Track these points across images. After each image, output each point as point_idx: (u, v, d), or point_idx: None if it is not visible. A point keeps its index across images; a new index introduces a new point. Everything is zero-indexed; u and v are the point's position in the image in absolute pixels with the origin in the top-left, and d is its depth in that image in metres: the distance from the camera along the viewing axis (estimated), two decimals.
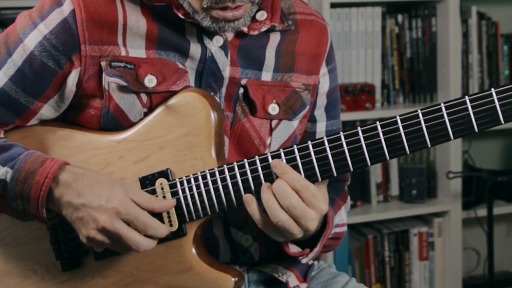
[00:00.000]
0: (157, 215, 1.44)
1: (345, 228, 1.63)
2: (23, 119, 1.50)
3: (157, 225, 1.39)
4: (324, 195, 1.40)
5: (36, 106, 1.48)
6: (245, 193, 1.42)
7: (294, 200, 1.36)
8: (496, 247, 3.39)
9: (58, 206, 1.40)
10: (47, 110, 1.50)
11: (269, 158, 1.41)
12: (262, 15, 1.53)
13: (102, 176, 1.41)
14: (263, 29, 1.53)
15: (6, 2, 2.74)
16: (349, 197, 1.70)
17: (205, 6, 1.41)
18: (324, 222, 1.47)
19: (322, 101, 1.65)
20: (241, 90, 1.53)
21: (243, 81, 1.52)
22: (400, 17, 3.25)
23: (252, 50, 1.54)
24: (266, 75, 1.55)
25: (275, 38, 1.56)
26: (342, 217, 1.62)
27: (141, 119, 1.47)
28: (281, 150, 1.40)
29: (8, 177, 1.40)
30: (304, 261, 1.49)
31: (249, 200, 1.39)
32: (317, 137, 1.60)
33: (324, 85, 1.64)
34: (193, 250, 1.47)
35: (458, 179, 3.26)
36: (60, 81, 1.47)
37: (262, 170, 1.41)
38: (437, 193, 3.35)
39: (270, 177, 1.41)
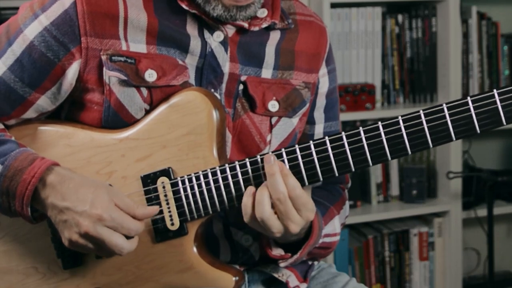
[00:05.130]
0: (159, 214, 1.46)
1: (336, 238, 1.62)
2: (19, 110, 1.50)
3: (139, 227, 1.40)
4: (313, 205, 1.41)
5: (33, 97, 1.49)
6: None
7: (282, 195, 1.37)
8: (496, 247, 3.39)
9: (44, 206, 1.41)
10: (44, 102, 1.50)
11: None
12: (262, 12, 1.54)
13: (88, 179, 1.42)
14: (264, 25, 1.54)
15: (6, 2, 2.75)
16: (347, 202, 1.70)
17: None
18: (309, 231, 1.47)
19: (321, 101, 1.65)
20: (241, 87, 1.53)
21: (243, 78, 1.53)
22: (400, 17, 3.26)
23: (252, 47, 1.55)
24: (266, 73, 1.56)
25: (274, 36, 1.57)
26: (335, 227, 1.61)
27: (143, 118, 1.48)
28: (283, 149, 1.41)
29: None
30: (282, 265, 1.49)
31: (249, 193, 1.40)
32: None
33: (324, 85, 1.65)
34: (194, 249, 1.47)
35: (458, 179, 3.27)
36: (59, 73, 1.47)
37: (264, 170, 1.41)
38: (437, 193, 3.35)
39: None
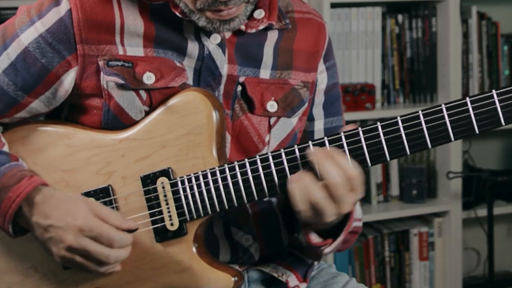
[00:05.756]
0: (158, 214, 1.46)
1: (361, 223, 1.61)
2: (12, 111, 1.51)
3: (122, 237, 1.40)
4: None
5: (26, 100, 1.49)
6: (246, 193, 1.42)
7: (338, 178, 1.34)
8: (496, 247, 3.39)
9: (29, 226, 1.43)
10: (37, 105, 1.51)
11: (270, 157, 1.41)
12: (259, 14, 1.53)
13: (68, 195, 1.43)
14: (261, 27, 1.53)
15: (6, 2, 2.75)
16: None
17: (199, 7, 1.42)
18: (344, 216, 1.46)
19: (319, 98, 1.65)
20: (239, 88, 1.53)
21: (241, 79, 1.53)
22: (400, 17, 3.26)
23: (249, 47, 1.54)
24: (264, 73, 1.56)
25: (272, 36, 1.57)
26: (358, 212, 1.59)
27: (142, 118, 1.48)
28: (282, 150, 1.41)
29: None
30: (327, 250, 1.47)
31: (295, 179, 1.37)
32: (315, 136, 1.62)
33: (322, 82, 1.64)
34: (194, 250, 1.47)
35: (458, 179, 3.26)
36: (52, 80, 1.47)
37: (263, 170, 1.41)
38: (437, 193, 3.35)
39: (271, 176, 1.41)
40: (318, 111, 1.65)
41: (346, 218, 1.46)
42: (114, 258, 1.40)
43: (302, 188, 1.36)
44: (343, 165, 1.35)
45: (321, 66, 1.63)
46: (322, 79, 1.64)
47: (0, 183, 1.42)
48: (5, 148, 1.50)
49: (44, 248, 1.43)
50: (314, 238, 1.47)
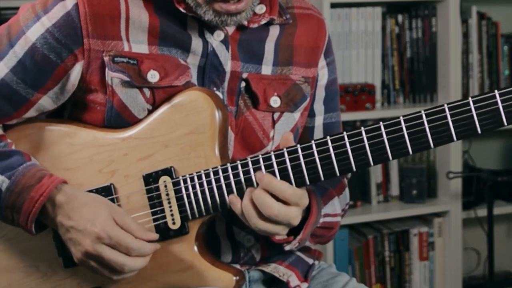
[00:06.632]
0: (160, 213, 1.46)
1: (338, 219, 1.62)
2: (21, 110, 1.51)
3: (141, 246, 1.40)
4: (305, 192, 1.43)
5: (36, 97, 1.49)
6: None
7: (275, 209, 1.38)
8: (496, 247, 3.39)
9: (53, 224, 1.43)
10: (46, 101, 1.51)
11: (273, 157, 1.41)
12: (261, 9, 1.55)
13: (91, 197, 1.43)
14: (263, 21, 1.54)
15: (6, 2, 2.75)
16: (347, 189, 1.70)
17: None
18: (308, 212, 1.48)
19: (320, 94, 1.66)
20: (243, 84, 1.54)
21: (244, 75, 1.54)
22: (400, 17, 3.26)
23: (252, 44, 1.55)
24: (266, 69, 1.57)
25: (274, 32, 1.58)
26: (335, 208, 1.61)
27: (145, 117, 1.48)
28: (285, 149, 1.41)
29: (4, 186, 1.42)
30: (287, 248, 1.49)
31: (234, 201, 1.41)
32: (315, 132, 1.63)
33: (323, 77, 1.65)
34: (195, 249, 1.48)
35: (458, 179, 3.27)
36: (61, 74, 1.48)
37: (265, 169, 1.41)
38: (437, 193, 3.36)
39: (273, 176, 1.41)
40: (319, 107, 1.66)
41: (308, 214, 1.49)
42: (129, 268, 1.40)
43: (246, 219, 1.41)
44: (273, 187, 1.39)
45: (322, 62, 1.65)
46: (323, 74, 1.65)
47: (20, 183, 1.42)
48: (14, 147, 1.50)
49: (66, 246, 1.44)
50: (276, 236, 1.48)
